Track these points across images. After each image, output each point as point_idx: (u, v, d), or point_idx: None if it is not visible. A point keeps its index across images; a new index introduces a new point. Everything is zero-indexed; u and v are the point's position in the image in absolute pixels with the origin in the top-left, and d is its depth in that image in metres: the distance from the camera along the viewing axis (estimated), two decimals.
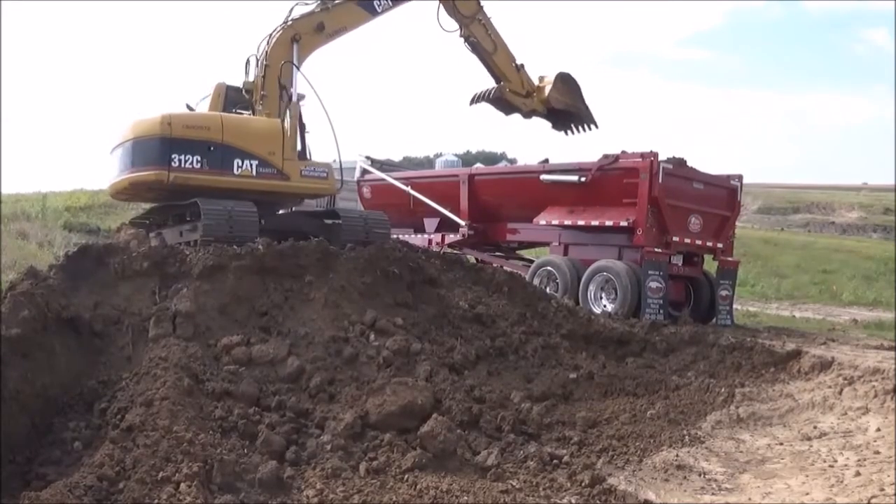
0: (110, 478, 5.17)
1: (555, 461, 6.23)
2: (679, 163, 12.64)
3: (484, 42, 12.70)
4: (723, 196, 13.55)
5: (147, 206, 11.63)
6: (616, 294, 12.08)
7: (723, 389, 8.04)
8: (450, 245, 14.51)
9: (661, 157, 12.23)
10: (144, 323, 7.14)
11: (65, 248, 15.06)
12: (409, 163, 32.00)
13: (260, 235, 8.91)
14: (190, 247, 8.71)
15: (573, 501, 5.50)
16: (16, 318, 6.14)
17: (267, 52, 10.27)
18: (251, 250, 7.91)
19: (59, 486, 5.00)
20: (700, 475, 6.19)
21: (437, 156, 20.80)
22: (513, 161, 30.89)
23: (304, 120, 10.59)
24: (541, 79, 13.91)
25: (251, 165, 9.56)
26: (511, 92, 13.39)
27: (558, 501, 5.54)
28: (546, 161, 14.15)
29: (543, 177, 13.40)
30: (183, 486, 5.07)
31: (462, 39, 12.66)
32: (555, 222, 13.31)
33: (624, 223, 12.23)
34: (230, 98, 10.59)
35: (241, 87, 10.49)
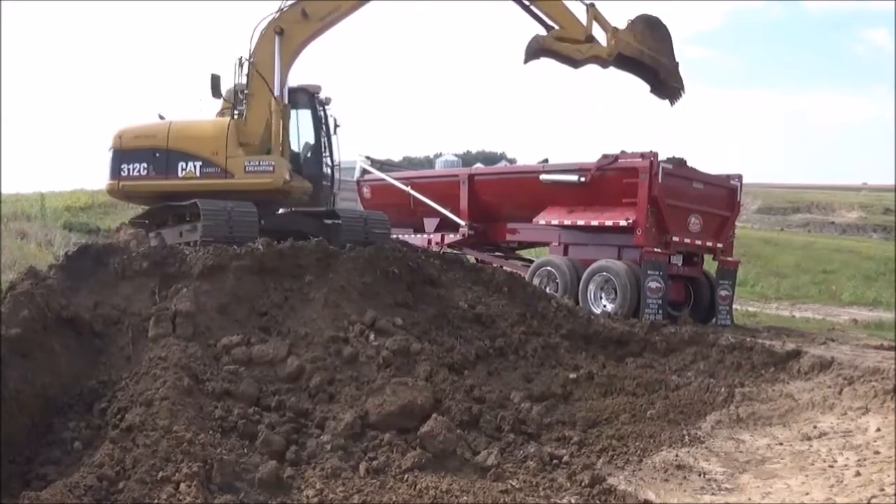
0: (110, 478, 5.17)
1: (555, 461, 6.24)
2: (679, 163, 12.64)
3: None
4: (723, 196, 13.56)
5: (146, 206, 11.62)
6: (616, 294, 12.09)
7: (723, 389, 8.03)
8: (450, 245, 14.51)
9: (661, 157, 12.23)
10: (144, 323, 7.14)
11: (65, 248, 15.06)
12: (409, 163, 32.02)
13: (260, 235, 8.91)
14: (190, 247, 8.71)
15: (573, 501, 5.50)
16: (16, 318, 6.15)
17: (251, 48, 10.04)
18: (251, 250, 7.91)
19: (59, 486, 5.01)
20: (700, 475, 6.19)
21: (437, 156, 20.81)
22: (513, 161, 30.92)
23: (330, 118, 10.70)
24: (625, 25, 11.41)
25: (195, 167, 10.00)
26: (559, 40, 11.00)
27: (558, 501, 5.54)
28: (546, 161, 14.15)
29: (543, 177, 13.40)
30: (183, 486, 5.07)
31: None
32: (554, 222, 13.31)
33: (624, 223, 12.23)
34: (298, 101, 10.57)
35: (234, 87, 10.31)
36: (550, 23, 11.03)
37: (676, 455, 6.53)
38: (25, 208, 23.15)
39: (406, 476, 5.69)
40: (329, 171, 10.98)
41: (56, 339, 6.55)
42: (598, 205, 12.75)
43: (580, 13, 11.08)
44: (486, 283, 9.54)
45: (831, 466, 6.28)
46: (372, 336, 7.48)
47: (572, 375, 8.13)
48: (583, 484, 5.70)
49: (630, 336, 9.52)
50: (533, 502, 5.50)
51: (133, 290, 7.58)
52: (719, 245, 13.39)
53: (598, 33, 11.22)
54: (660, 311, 11.83)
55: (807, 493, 5.78)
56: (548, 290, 12.12)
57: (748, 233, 31.20)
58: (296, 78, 10.57)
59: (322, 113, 10.88)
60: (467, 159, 21.79)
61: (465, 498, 5.34)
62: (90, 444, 5.82)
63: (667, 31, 11.29)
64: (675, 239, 12.43)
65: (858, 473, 6.03)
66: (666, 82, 11.40)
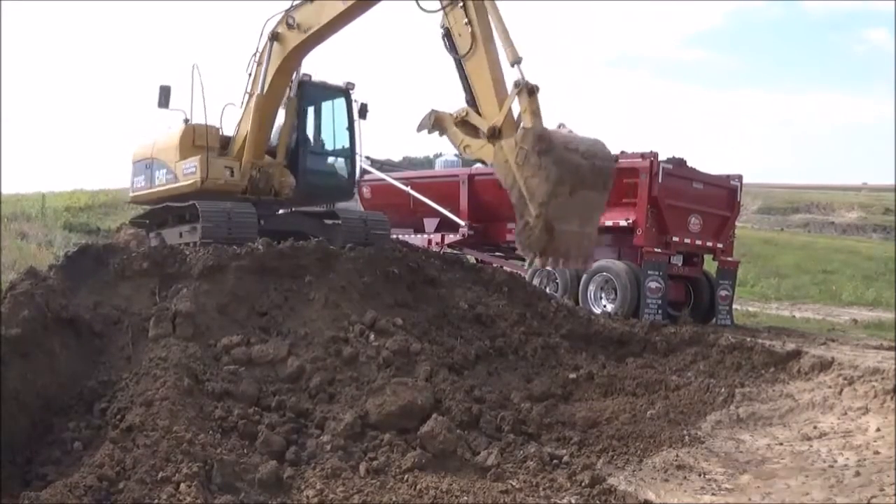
0: (110, 478, 5.17)
1: (555, 461, 6.23)
2: (679, 163, 12.64)
3: (460, 40, 7.38)
4: (723, 196, 13.56)
5: (147, 206, 11.63)
6: (616, 294, 12.09)
7: (723, 389, 8.03)
8: (450, 245, 14.50)
9: (661, 157, 12.23)
10: (144, 323, 7.14)
11: (65, 248, 15.06)
12: (409, 163, 31.95)
13: (260, 236, 8.90)
14: (190, 247, 8.71)
15: (573, 501, 5.49)
16: (16, 318, 6.14)
17: (258, 49, 9.88)
18: (251, 250, 7.91)
19: (59, 486, 5.01)
20: (700, 475, 6.19)
21: (437, 156, 20.76)
22: None
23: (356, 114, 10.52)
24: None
25: (163, 175, 10.49)
26: (458, 124, 7.49)
27: (558, 501, 5.53)
28: None
29: None
30: (183, 486, 5.07)
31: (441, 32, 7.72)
32: None
33: (624, 223, 12.23)
34: (307, 95, 10.37)
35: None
36: (471, 92, 7.56)
37: (676, 455, 6.53)
38: (25, 208, 23.17)
39: (406, 476, 5.69)
40: (330, 165, 10.88)
41: (56, 339, 6.54)
42: None
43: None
44: (486, 283, 9.54)
45: (831, 466, 6.28)
46: (372, 336, 7.48)
47: (572, 375, 8.13)
48: (583, 484, 5.70)
49: (630, 336, 9.52)
50: (533, 502, 5.50)
51: (133, 290, 7.58)
52: (719, 245, 13.39)
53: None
54: (660, 311, 11.83)
55: (807, 494, 5.78)
56: (548, 290, 12.12)
57: (748, 233, 31.20)
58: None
59: (331, 108, 10.77)
60: (467, 159, 21.76)
61: (465, 498, 5.34)
62: (90, 444, 5.82)
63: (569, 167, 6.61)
64: (676, 239, 12.43)
65: (858, 473, 6.03)
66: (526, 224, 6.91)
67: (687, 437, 7.01)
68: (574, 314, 9.70)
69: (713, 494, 5.84)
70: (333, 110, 10.78)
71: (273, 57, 9.35)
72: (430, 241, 14.91)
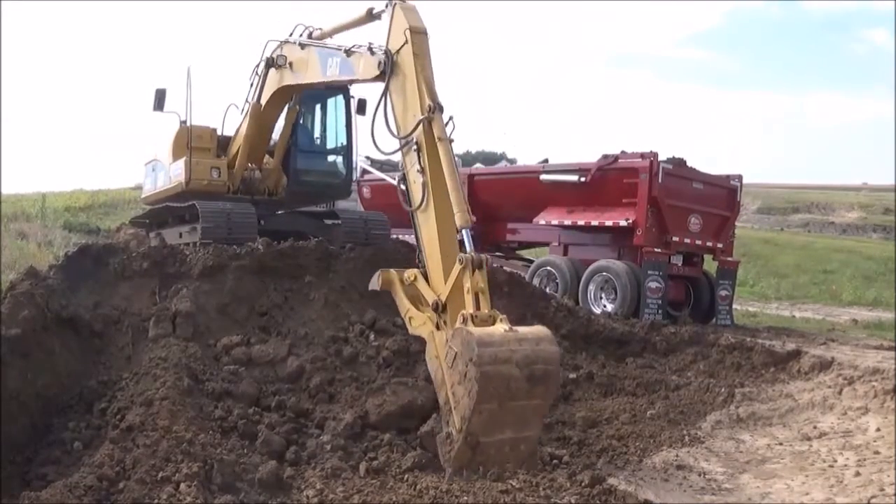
0: (110, 478, 5.16)
1: (555, 461, 6.23)
2: (679, 163, 12.65)
3: (413, 187, 6.40)
4: (723, 196, 13.56)
5: (147, 206, 11.66)
6: (616, 294, 12.09)
7: (723, 389, 8.04)
8: None
9: (661, 157, 12.24)
10: (144, 323, 7.14)
11: (65, 248, 15.06)
12: None
13: (259, 236, 8.91)
14: (190, 247, 8.72)
15: (573, 501, 5.49)
16: (16, 318, 6.14)
17: (258, 65, 9.70)
18: (251, 250, 7.92)
19: (59, 486, 5.00)
20: (700, 475, 6.19)
21: None
22: (513, 161, 30.91)
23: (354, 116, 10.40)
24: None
25: (162, 176, 10.83)
26: (404, 283, 6.41)
27: (558, 501, 5.53)
28: (546, 161, 14.15)
29: (543, 177, 13.41)
30: (183, 486, 5.06)
31: None
32: (554, 222, 13.31)
33: (624, 223, 12.23)
34: (305, 94, 10.07)
35: None
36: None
37: (676, 455, 6.54)
38: (25, 208, 23.17)
39: (406, 476, 5.68)
40: (325, 163, 10.84)
41: (56, 339, 6.54)
42: (599, 205, 12.76)
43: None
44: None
45: (831, 466, 6.29)
46: (372, 336, 7.48)
47: (572, 375, 8.13)
48: (583, 484, 5.69)
49: (630, 336, 9.53)
50: (533, 502, 5.49)
51: (133, 290, 7.58)
52: (719, 245, 13.40)
53: None
54: (660, 311, 11.84)
55: (807, 493, 5.78)
56: (548, 290, 12.13)
57: (748, 233, 31.20)
58: None
59: (329, 105, 10.74)
60: (467, 159, 21.80)
61: (465, 498, 5.32)
62: (90, 444, 5.81)
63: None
64: (675, 239, 12.44)
65: (858, 473, 6.04)
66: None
67: (687, 437, 7.01)
68: (574, 314, 9.70)
69: (713, 494, 5.84)
70: (331, 108, 10.75)
71: (269, 82, 9.27)
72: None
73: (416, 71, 5.99)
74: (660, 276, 12.01)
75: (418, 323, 5.86)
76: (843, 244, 33.61)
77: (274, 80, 9.15)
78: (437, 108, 5.88)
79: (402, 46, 6.12)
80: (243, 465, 5.59)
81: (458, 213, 5.79)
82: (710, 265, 13.83)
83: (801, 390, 8.08)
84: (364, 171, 16.79)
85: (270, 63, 9.09)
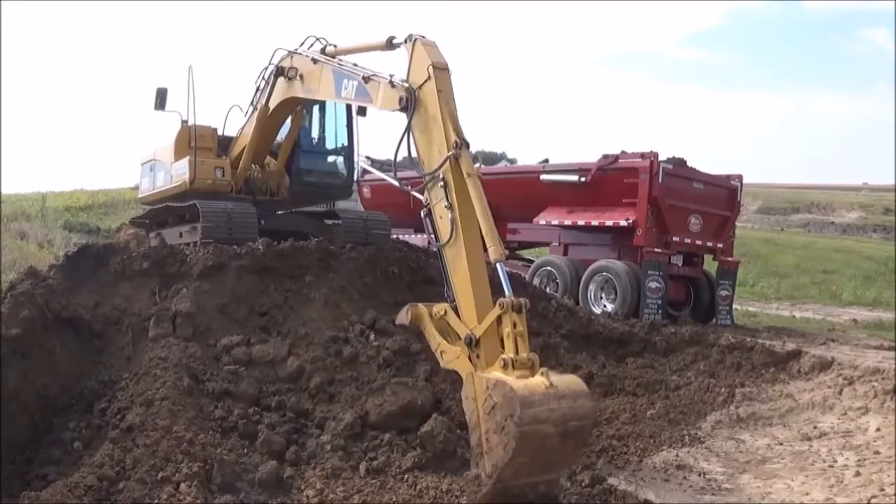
0: (110, 478, 5.17)
1: None
2: (679, 163, 12.65)
3: (440, 223, 6.31)
4: (723, 196, 13.56)
5: (147, 206, 11.65)
6: (616, 294, 12.09)
7: (723, 389, 8.04)
8: None
9: (661, 157, 12.23)
10: (144, 323, 7.14)
11: (65, 248, 15.06)
12: (409, 163, 31.90)
13: (260, 236, 8.90)
14: (190, 247, 8.71)
15: (573, 501, 5.49)
16: (16, 318, 6.14)
17: (266, 70, 9.57)
18: (251, 250, 7.91)
19: (59, 486, 5.00)
20: (700, 475, 6.19)
21: None
22: (513, 161, 30.85)
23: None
24: None
25: (162, 175, 10.77)
26: (433, 318, 6.23)
27: (558, 501, 5.53)
28: (546, 161, 14.14)
29: (543, 177, 13.40)
30: (183, 486, 5.06)
31: None
32: (555, 222, 13.31)
33: (624, 223, 12.23)
34: None
35: None
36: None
37: (676, 455, 6.54)
38: (25, 208, 23.17)
39: (406, 476, 5.69)
40: (327, 164, 10.85)
41: (56, 339, 6.54)
42: (599, 205, 12.76)
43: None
44: None
45: (831, 466, 6.29)
46: (372, 336, 7.47)
47: None
48: (583, 484, 5.70)
49: (630, 336, 9.53)
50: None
51: (133, 290, 7.57)
52: (719, 245, 13.39)
53: None
54: (660, 311, 11.84)
55: (807, 493, 5.79)
56: (548, 290, 12.12)
57: (748, 233, 31.21)
58: None
59: (330, 106, 10.74)
60: None
61: (465, 498, 5.33)
62: (90, 444, 5.82)
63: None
64: (676, 239, 12.44)
65: (858, 473, 6.04)
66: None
67: (687, 437, 7.02)
68: (574, 314, 9.70)
69: (713, 494, 5.84)
70: (332, 108, 10.75)
71: (277, 91, 9.09)
72: (430, 241, 14.87)
73: (440, 107, 5.99)
74: (660, 276, 12.01)
75: (451, 357, 5.76)
76: (843, 244, 33.62)
77: (283, 90, 9.10)
78: (463, 144, 5.92)
79: (425, 83, 6.08)
80: (243, 465, 5.59)
81: (492, 246, 5.76)
82: (710, 265, 13.82)
83: (801, 390, 8.08)
84: (364, 171, 16.78)
85: (280, 72, 9.04)
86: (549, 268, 13.07)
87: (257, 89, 9.66)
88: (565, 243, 13.47)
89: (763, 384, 8.36)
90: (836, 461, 6.39)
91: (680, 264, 13.04)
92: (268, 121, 9.63)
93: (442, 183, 6.00)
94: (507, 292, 5.44)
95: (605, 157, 12.70)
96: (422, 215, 6.51)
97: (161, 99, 9.86)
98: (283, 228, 9.77)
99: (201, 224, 9.10)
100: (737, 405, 7.72)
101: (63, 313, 6.73)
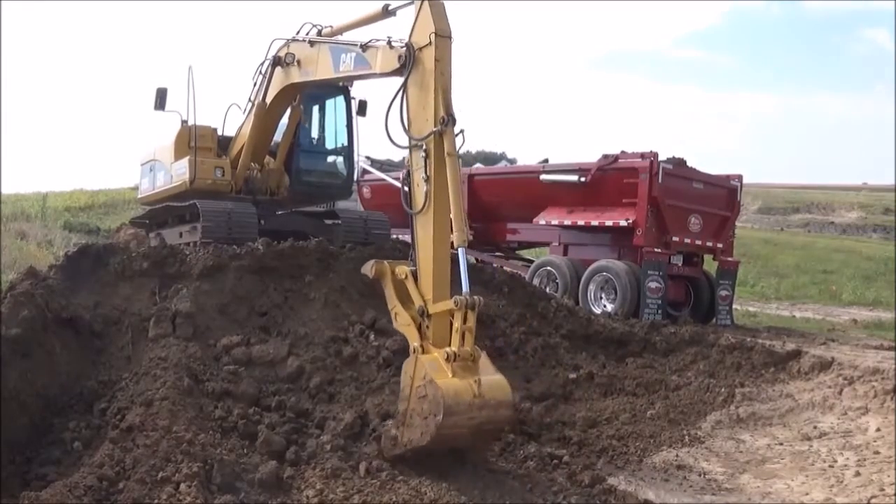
0: (110, 478, 5.17)
1: (555, 461, 6.23)
2: (679, 163, 12.64)
3: (417, 191, 6.43)
4: (723, 196, 13.56)
5: (147, 206, 11.65)
6: (616, 294, 12.08)
7: (723, 389, 8.04)
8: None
9: (661, 157, 12.23)
10: (144, 323, 7.14)
11: (65, 248, 15.05)
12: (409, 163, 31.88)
13: (260, 236, 8.91)
14: (190, 247, 8.72)
15: (573, 501, 5.49)
16: (16, 318, 6.14)
17: (263, 64, 9.61)
18: (251, 250, 7.91)
19: (59, 486, 5.00)
20: (700, 475, 6.19)
21: None
22: (513, 161, 30.92)
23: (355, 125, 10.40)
24: None
25: (162, 175, 10.78)
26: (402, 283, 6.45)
27: (558, 501, 5.53)
28: (546, 161, 14.14)
29: (543, 177, 13.40)
30: (183, 486, 5.06)
31: None
32: (554, 222, 13.31)
33: (624, 223, 12.23)
34: (305, 94, 9.97)
35: None
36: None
37: (676, 455, 6.54)
38: (25, 208, 23.18)
39: (406, 476, 5.69)
40: (327, 164, 10.84)
41: (56, 339, 6.54)
42: (599, 205, 12.75)
43: None
44: (485, 283, 9.52)
45: (831, 466, 6.29)
46: (372, 336, 7.47)
47: (572, 375, 8.13)
48: (583, 484, 5.70)
49: (630, 336, 9.53)
50: (533, 502, 5.50)
51: (133, 290, 7.57)
52: (719, 245, 13.38)
53: None
54: (660, 311, 11.83)
55: (807, 493, 5.79)
56: (548, 290, 12.11)
57: (748, 233, 31.21)
58: None
59: (329, 106, 10.73)
60: (467, 159, 21.75)
61: (465, 498, 5.33)
62: (90, 444, 5.82)
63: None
64: (675, 239, 12.43)
65: (858, 473, 6.04)
66: None
67: (687, 437, 7.02)
68: (574, 314, 9.70)
69: (713, 494, 5.85)
70: (331, 108, 10.75)
71: (275, 81, 9.15)
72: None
73: (434, 77, 5.99)
74: (660, 276, 12.00)
75: (403, 321, 6.15)
76: (842, 244, 33.63)
77: (280, 79, 9.11)
78: (450, 120, 5.93)
79: (425, 47, 6.09)
80: (243, 465, 5.59)
81: (458, 231, 5.93)
82: (710, 265, 13.82)
83: (801, 390, 8.08)
84: (364, 171, 16.78)
85: (277, 62, 9.02)
86: (548, 268, 13.07)
87: (255, 85, 9.67)
88: (565, 243, 13.46)
89: (763, 384, 8.36)
90: (836, 461, 6.39)
91: (680, 264, 13.03)
92: (266, 115, 9.63)
93: (423, 154, 6.09)
94: (464, 285, 5.70)
95: (605, 157, 12.70)
96: (401, 177, 6.67)
97: (161, 99, 9.86)
98: (283, 228, 9.78)
99: (201, 224, 9.11)
100: (737, 405, 7.71)
101: (63, 313, 6.72)
